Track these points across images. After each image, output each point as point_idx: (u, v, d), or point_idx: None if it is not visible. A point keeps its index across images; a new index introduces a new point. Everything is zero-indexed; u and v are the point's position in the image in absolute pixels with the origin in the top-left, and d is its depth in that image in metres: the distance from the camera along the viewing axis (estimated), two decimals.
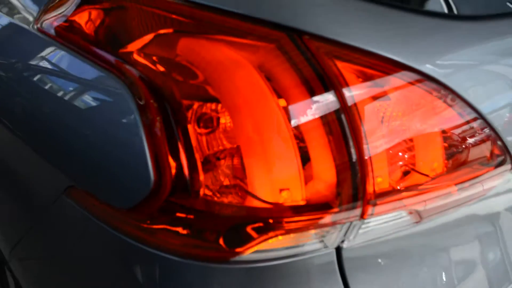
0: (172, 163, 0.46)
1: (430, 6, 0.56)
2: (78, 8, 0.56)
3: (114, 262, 0.54)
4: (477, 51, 0.55)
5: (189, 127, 0.46)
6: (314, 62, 0.46)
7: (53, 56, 0.57)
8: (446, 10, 0.55)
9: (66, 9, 0.57)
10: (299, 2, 0.49)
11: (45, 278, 0.66)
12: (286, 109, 0.45)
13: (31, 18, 0.62)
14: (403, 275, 0.54)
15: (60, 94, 0.55)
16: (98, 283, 0.56)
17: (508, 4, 0.59)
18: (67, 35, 0.56)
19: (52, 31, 0.57)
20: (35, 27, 0.60)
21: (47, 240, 0.62)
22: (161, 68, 0.48)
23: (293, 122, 0.46)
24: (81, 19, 0.55)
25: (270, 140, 0.45)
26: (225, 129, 0.46)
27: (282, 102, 0.46)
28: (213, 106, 0.47)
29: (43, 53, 0.58)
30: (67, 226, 0.58)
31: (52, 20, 0.58)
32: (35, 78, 0.58)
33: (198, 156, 0.46)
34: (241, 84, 0.46)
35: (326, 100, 0.45)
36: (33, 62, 0.59)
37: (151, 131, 0.46)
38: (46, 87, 0.57)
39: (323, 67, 0.46)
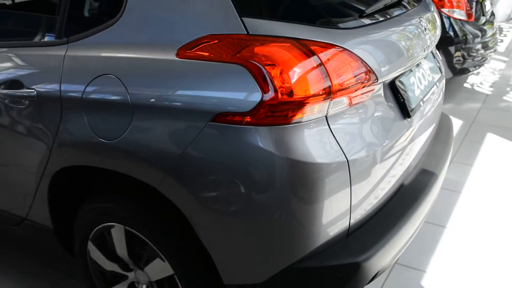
0: (268, 90, 1.27)
1: (333, 24, 1.45)
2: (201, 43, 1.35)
3: (252, 140, 1.31)
4: (360, 39, 1.45)
5: (272, 78, 1.28)
6: (306, 46, 1.32)
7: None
8: (334, 26, 1.45)
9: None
10: (298, 29, 1.35)
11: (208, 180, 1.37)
12: (303, 63, 1.30)
13: (171, 54, 1.39)
14: (341, 122, 1.41)
15: (213, 76, 1.33)
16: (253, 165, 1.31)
17: (360, 19, 1.51)
18: (202, 56, 1.35)
19: (192, 56, 1.36)
20: (176, 58, 1.38)
21: (207, 150, 1.34)
22: (251, 58, 1.30)
23: (303, 69, 1.30)
24: (205, 48, 1.35)
25: (301, 78, 1.29)
26: (281, 77, 1.28)
27: (299, 61, 1.30)
28: (274, 67, 1.29)
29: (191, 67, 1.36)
30: (222, 138, 1.32)
31: (187, 50, 1.36)
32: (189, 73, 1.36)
33: (278, 87, 1.28)
34: (282, 55, 1.30)
35: (316, 59, 1.31)
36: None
37: (260, 83, 1.27)
38: (204, 74, 1.34)
39: (311, 48, 1.32)
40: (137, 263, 1.75)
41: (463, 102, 4.62)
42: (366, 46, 1.47)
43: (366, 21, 1.55)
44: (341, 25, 1.46)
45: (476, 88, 5.06)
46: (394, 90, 1.65)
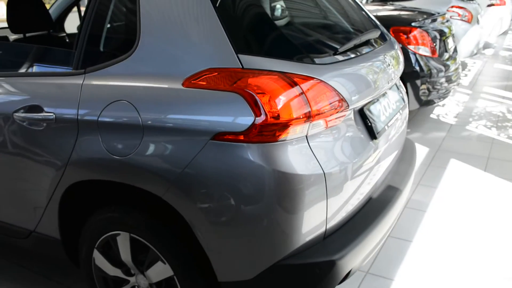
0: (260, 114, 1.55)
1: (313, 61, 1.75)
2: (203, 74, 1.64)
3: (247, 156, 1.58)
4: (334, 73, 1.75)
5: (262, 103, 1.56)
6: (290, 78, 1.61)
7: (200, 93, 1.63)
8: (313, 62, 1.75)
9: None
10: (284, 64, 1.65)
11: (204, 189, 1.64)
12: (288, 92, 1.59)
13: (178, 83, 1.66)
14: (319, 141, 1.70)
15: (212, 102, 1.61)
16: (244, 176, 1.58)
17: (334, 56, 1.82)
18: (204, 85, 1.62)
19: (196, 85, 1.63)
20: (182, 87, 1.65)
21: (207, 163, 1.61)
22: (246, 87, 1.59)
23: (288, 97, 1.59)
24: (206, 79, 1.63)
25: (286, 104, 1.58)
26: (270, 103, 1.57)
27: (285, 91, 1.59)
28: (264, 95, 1.58)
29: (194, 94, 1.64)
30: (220, 153, 1.60)
31: (192, 80, 1.64)
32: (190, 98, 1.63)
33: (267, 111, 1.56)
34: (271, 85, 1.59)
35: (298, 88, 1.60)
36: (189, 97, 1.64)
37: (252, 108, 1.55)
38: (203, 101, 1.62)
39: (294, 79, 1.62)
40: (139, 267, 1.98)
41: (429, 131, 4.99)
42: (339, 78, 1.77)
43: (340, 57, 1.85)
44: (319, 61, 1.76)
45: (441, 118, 5.46)
46: (363, 116, 1.95)
